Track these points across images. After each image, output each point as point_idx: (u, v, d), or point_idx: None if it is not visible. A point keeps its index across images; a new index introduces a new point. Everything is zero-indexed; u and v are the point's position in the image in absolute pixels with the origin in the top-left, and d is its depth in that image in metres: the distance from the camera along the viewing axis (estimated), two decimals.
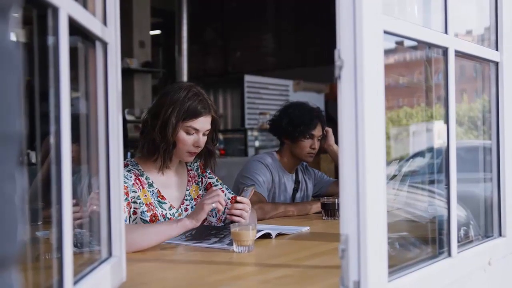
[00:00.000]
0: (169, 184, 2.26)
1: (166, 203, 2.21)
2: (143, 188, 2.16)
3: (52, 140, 1.01)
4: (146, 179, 2.19)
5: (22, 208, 0.55)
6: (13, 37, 0.55)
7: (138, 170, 2.19)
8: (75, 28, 1.11)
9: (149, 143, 2.18)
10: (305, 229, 2.32)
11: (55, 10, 0.99)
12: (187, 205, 2.29)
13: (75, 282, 1.09)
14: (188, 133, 2.16)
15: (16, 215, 0.54)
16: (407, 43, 1.54)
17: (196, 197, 2.33)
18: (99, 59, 1.34)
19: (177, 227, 1.94)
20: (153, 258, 1.81)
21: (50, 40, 1.01)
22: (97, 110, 1.35)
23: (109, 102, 1.36)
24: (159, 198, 2.20)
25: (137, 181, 2.15)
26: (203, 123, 2.18)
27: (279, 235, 2.15)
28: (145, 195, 2.15)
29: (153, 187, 2.20)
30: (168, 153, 2.17)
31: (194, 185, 2.35)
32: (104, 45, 1.34)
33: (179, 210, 2.25)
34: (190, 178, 2.35)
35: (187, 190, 2.32)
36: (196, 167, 2.39)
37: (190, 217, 1.97)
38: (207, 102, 2.19)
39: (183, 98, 2.14)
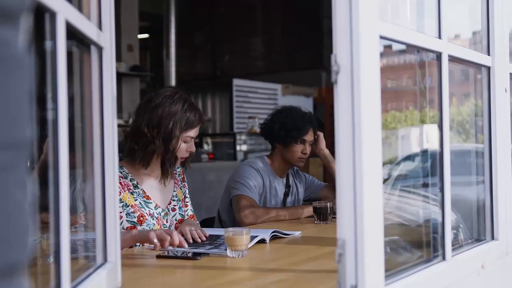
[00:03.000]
0: (155, 186, 2.32)
1: (151, 202, 2.27)
2: (125, 191, 2.21)
3: (49, 144, 1.00)
4: (130, 180, 2.25)
5: (31, 215, 0.55)
6: (23, 43, 0.55)
7: (121, 173, 2.23)
8: (71, 33, 1.11)
9: (149, 154, 2.23)
10: (297, 233, 2.33)
11: (53, 15, 0.99)
12: (174, 205, 2.37)
13: None
14: (185, 142, 2.27)
15: (27, 222, 0.54)
16: (396, 47, 1.55)
17: (181, 199, 2.42)
18: (94, 64, 1.34)
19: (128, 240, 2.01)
20: (148, 264, 1.80)
21: (47, 44, 1.01)
22: (92, 115, 1.34)
23: (104, 107, 1.35)
24: (144, 198, 2.26)
25: (119, 184, 2.16)
26: (197, 130, 2.31)
27: (274, 238, 2.16)
28: (129, 197, 2.21)
29: (139, 188, 2.26)
30: (173, 164, 2.26)
31: (178, 189, 2.43)
32: (100, 49, 1.34)
33: (166, 209, 2.33)
34: (176, 181, 2.44)
35: (174, 191, 2.40)
36: (178, 173, 2.47)
37: (141, 233, 2.03)
38: (200, 111, 2.33)
39: (181, 110, 2.23)
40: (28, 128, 0.55)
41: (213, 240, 2.10)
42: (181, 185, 2.46)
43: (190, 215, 2.43)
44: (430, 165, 1.80)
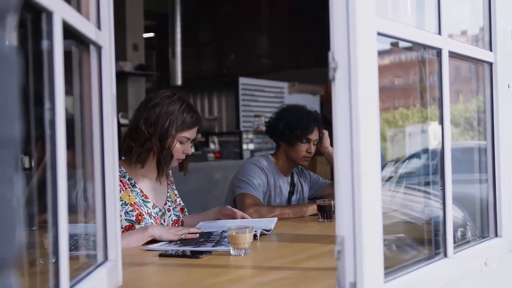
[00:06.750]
0: (151, 186, 2.35)
1: (149, 202, 2.30)
2: (126, 189, 2.24)
3: (47, 144, 1.01)
4: (128, 180, 2.28)
5: (20, 212, 0.56)
6: (10, 41, 0.55)
7: (120, 172, 2.25)
8: (69, 32, 1.11)
9: (146, 152, 2.25)
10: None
11: (49, 14, 0.99)
12: (169, 206, 2.41)
13: (71, 286, 1.09)
14: (181, 142, 2.29)
15: (15, 219, 0.55)
16: (402, 44, 1.54)
17: (173, 200, 2.45)
18: (93, 63, 1.34)
19: (143, 237, 2.05)
20: (148, 262, 1.80)
21: (44, 44, 1.01)
22: (91, 115, 1.34)
23: (104, 106, 1.36)
24: (143, 197, 2.29)
25: (119, 182, 2.19)
26: (195, 132, 2.33)
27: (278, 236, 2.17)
28: (129, 196, 2.24)
29: (136, 187, 2.29)
30: (168, 162, 2.28)
31: (171, 191, 2.47)
32: (98, 49, 1.34)
33: (162, 209, 2.36)
34: (169, 182, 2.47)
35: (168, 192, 2.44)
36: (170, 175, 2.51)
37: (156, 228, 2.09)
38: (198, 113, 2.35)
39: (179, 110, 2.26)
40: (17, 126, 0.56)
41: (207, 238, 2.10)
42: (173, 187, 2.50)
43: (175, 219, 2.42)
44: (436, 162, 1.80)
